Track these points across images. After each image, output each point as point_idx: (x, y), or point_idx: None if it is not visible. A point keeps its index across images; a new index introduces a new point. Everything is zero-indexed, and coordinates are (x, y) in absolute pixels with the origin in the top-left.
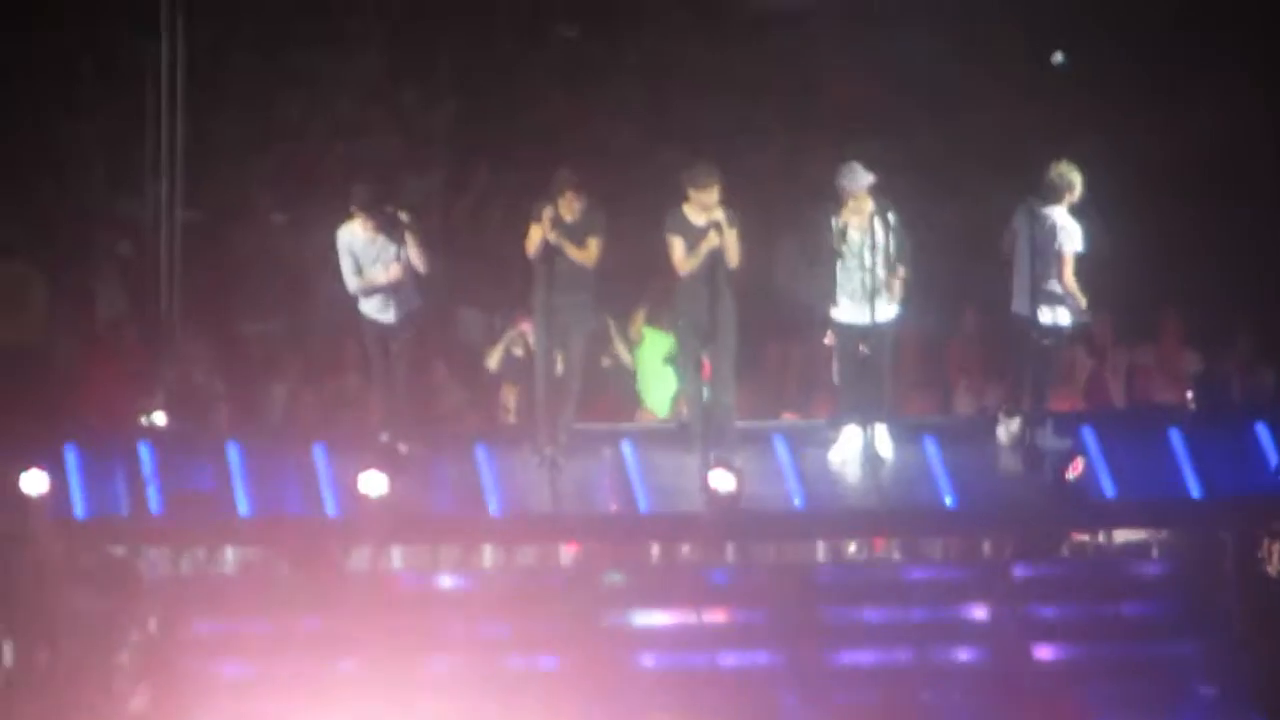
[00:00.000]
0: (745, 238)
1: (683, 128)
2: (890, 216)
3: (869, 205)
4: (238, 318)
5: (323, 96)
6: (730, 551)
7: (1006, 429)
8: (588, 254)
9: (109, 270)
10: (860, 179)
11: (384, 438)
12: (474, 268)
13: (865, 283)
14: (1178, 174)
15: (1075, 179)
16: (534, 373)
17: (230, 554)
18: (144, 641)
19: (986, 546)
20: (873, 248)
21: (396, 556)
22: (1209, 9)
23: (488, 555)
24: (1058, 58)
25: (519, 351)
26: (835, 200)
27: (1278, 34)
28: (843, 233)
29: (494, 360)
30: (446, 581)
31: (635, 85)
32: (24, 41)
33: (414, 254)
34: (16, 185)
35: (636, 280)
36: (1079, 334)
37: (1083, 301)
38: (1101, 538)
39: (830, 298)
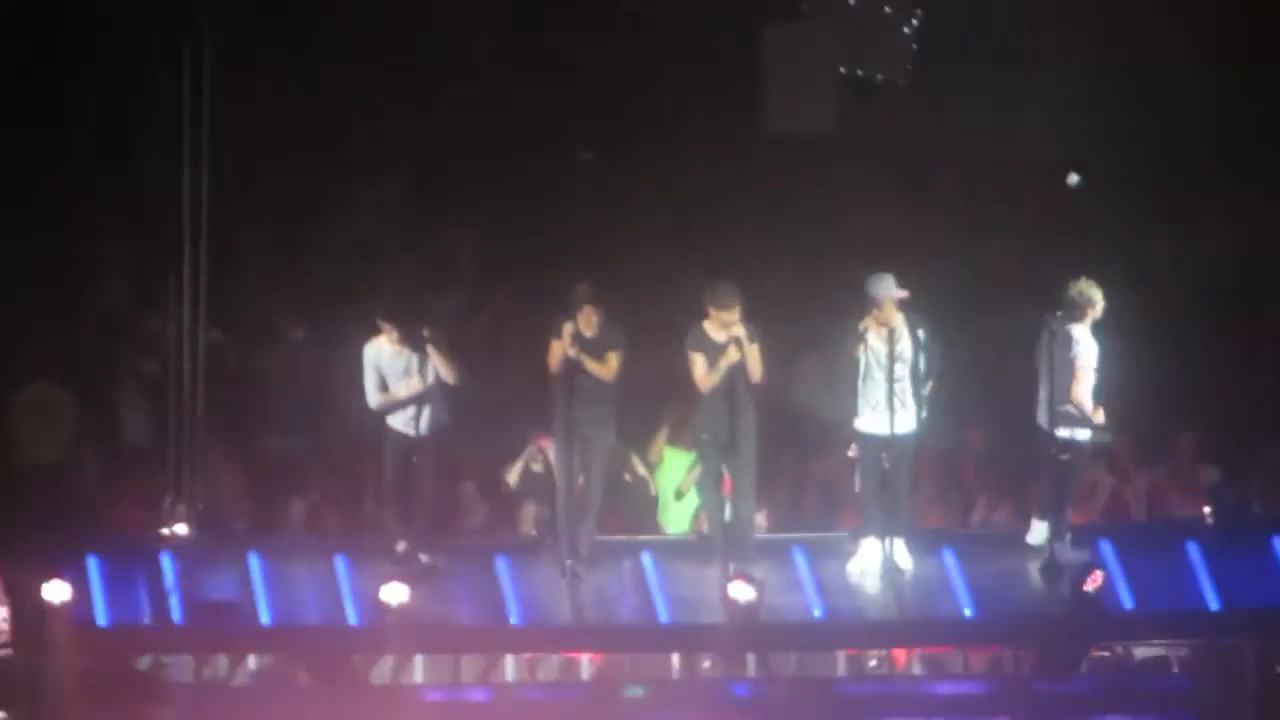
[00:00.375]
0: (765, 353)
1: (703, 248)
2: (920, 332)
3: (896, 317)
4: (260, 434)
5: (345, 219)
6: (751, 665)
7: (1037, 533)
8: (608, 369)
9: (134, 389)
10: (889, 289)
11: (401, 548)
12: (493, 387)
13: (888, 394)
14: (1195, 293)
15: (1095, 296)
16: (553, 488)
17: (252, 663)
18: None
19: (1008, 661)
20: (895, 359)
21: (418, 668)
22: (1223, 127)
23: (509, 667)
24: (1074, 179)
25: (538, 468)
26: (862, 310)
27: None
28: (866, 342)
29: (514, 476)
30: (468, 694)
31: (656, 207)
32: (53, 165)
33: (441, 367)
34: (45, 306)
35: (657, 400)
36: (1097, 451)
37: (1094, 418)
38: (1121, 651)
39: (853, 409)
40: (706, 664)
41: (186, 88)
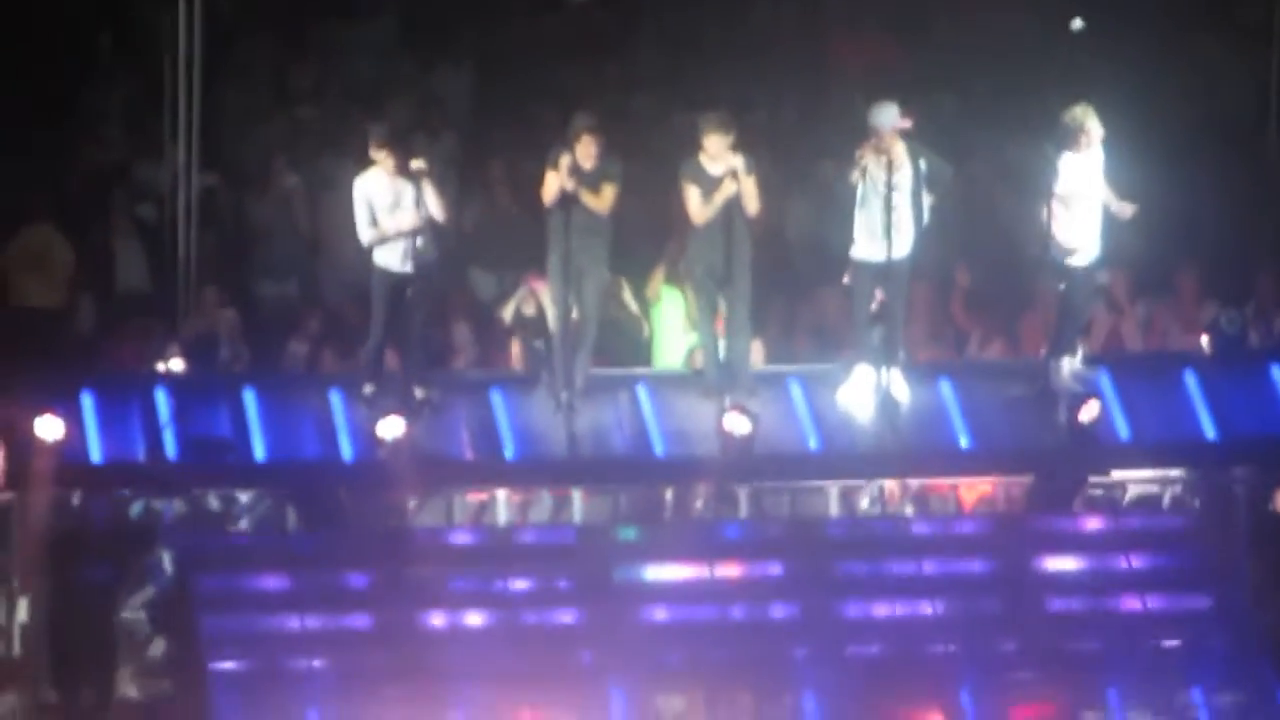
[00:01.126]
0: (761, 186)
1: (697, 92)
2: (922, 162)
3: (897, 146)
4: (255, 280)
5: (337, 64)
6: (744, 505)
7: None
8: (603, 201)
9: (129, 234)
10: (891, 117)
11: (393, 382)
12: (486, 229)
13: (884, 221)
14: (1196, 133)
15: (1088, 122)
16: (544, 329)
17: (244, 503)
18: (160, 596)
19: (1001, 500)
20: (893, 187)
21: (411, 511)
22: None
23: (502, 509)
24: (1077, 24)
25: (529, 310)
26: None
27: None
28: (865, 170)
29: (508, 313)
30: (461, 537)
31: (650, 52)
32: (44, 11)
33: (431, 201)
34: (39, 152)
35: (655, 239)
36: (1093, 281)
37: (1075, 245)
38: (1115, 491)
39: (848, 237)
40: (699, 503)
41: None
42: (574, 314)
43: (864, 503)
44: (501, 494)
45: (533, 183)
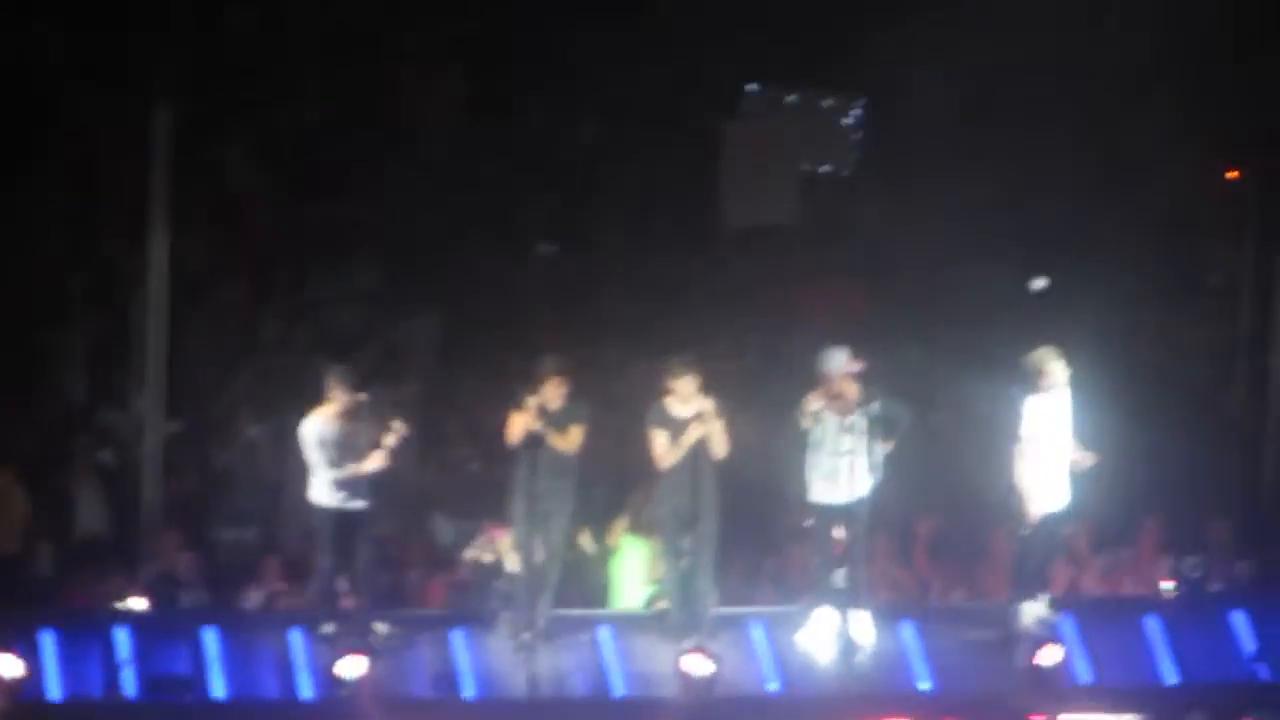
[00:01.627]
0: (730, 431)
1: (664, 339)
2: (876, 405)
3: (851, 390)
4: (216, 526)
5: (307, 314)
6: None
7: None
8: (570, 441)
9: (90, 479)
10: (838, 362)
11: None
12: (447, 478)
13: (837, 464)
14: (1160, 389)
15: (1049, 365)
16: (502, 579)
17: None
18: None
19: None
20: (846, 430)
21: None
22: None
23: None
24: (1038, 284)
25: (488, 558)
26: (812, 386)
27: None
28: (817, 415)
29: (467, 557)
30: None
31: (616, 300)
32: (15, 249)
33: (382, 446)
34: (1, 396)
35: (616, 489)
36: (1056, 530)
37: (1036, 495)
38: None
39: (805, 482)
40: None
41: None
42: (538, 555)
43: None
44: None
45: (493, 435)
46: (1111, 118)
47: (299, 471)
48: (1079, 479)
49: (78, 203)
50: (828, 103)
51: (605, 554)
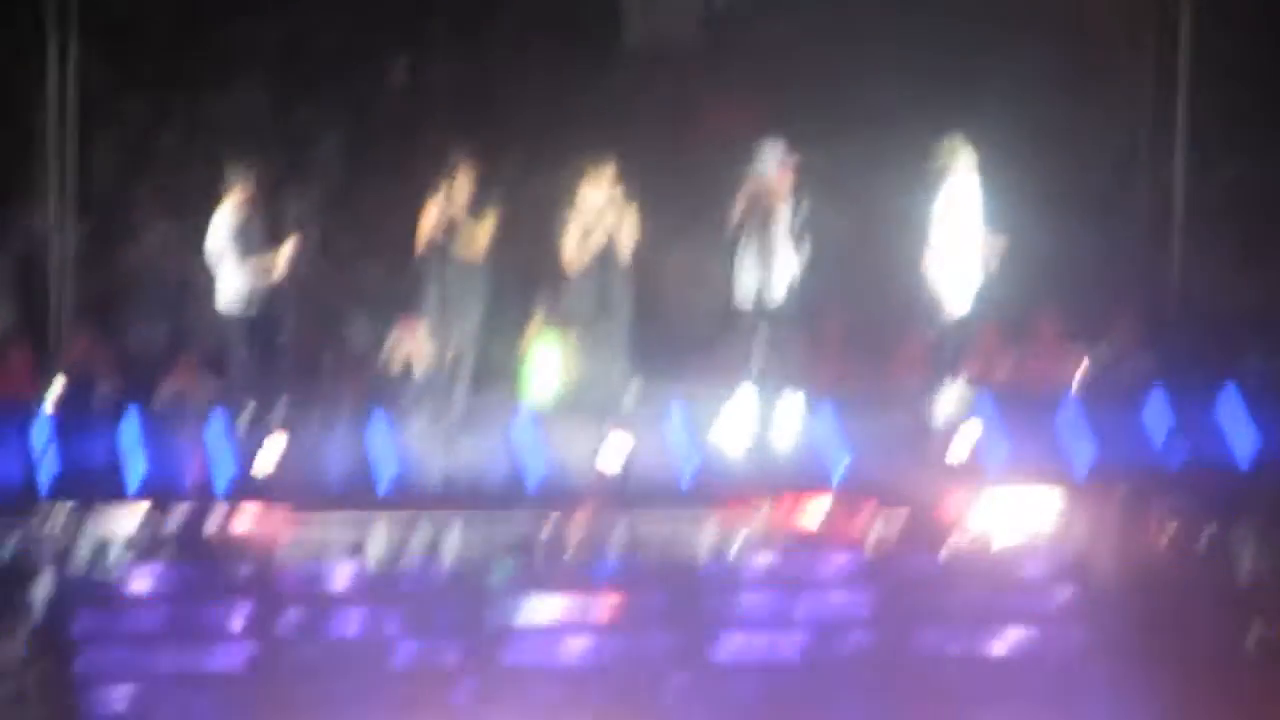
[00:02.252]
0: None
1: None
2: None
3: (784, 186)
4: (127, 325)
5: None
6: (621, 535)
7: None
8: (478, 244)
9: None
10: (774, 154)
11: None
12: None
13: (765, 259)
14: (1065, 184)
15: (956, 154)
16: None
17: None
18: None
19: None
20: (774, 227)
21: (287, 543)
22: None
23: (379, 543)
24: None
25: (405, 350)
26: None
27: None
28: (748, 212)
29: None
30: (336, 576)
31: (514, 112)
32: None
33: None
34: None
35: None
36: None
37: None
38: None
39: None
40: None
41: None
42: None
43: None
44: (380, 524)
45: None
46: None
47: (205, 272)
48: (987, 268)
49: None
50: None
51: (519, 351)
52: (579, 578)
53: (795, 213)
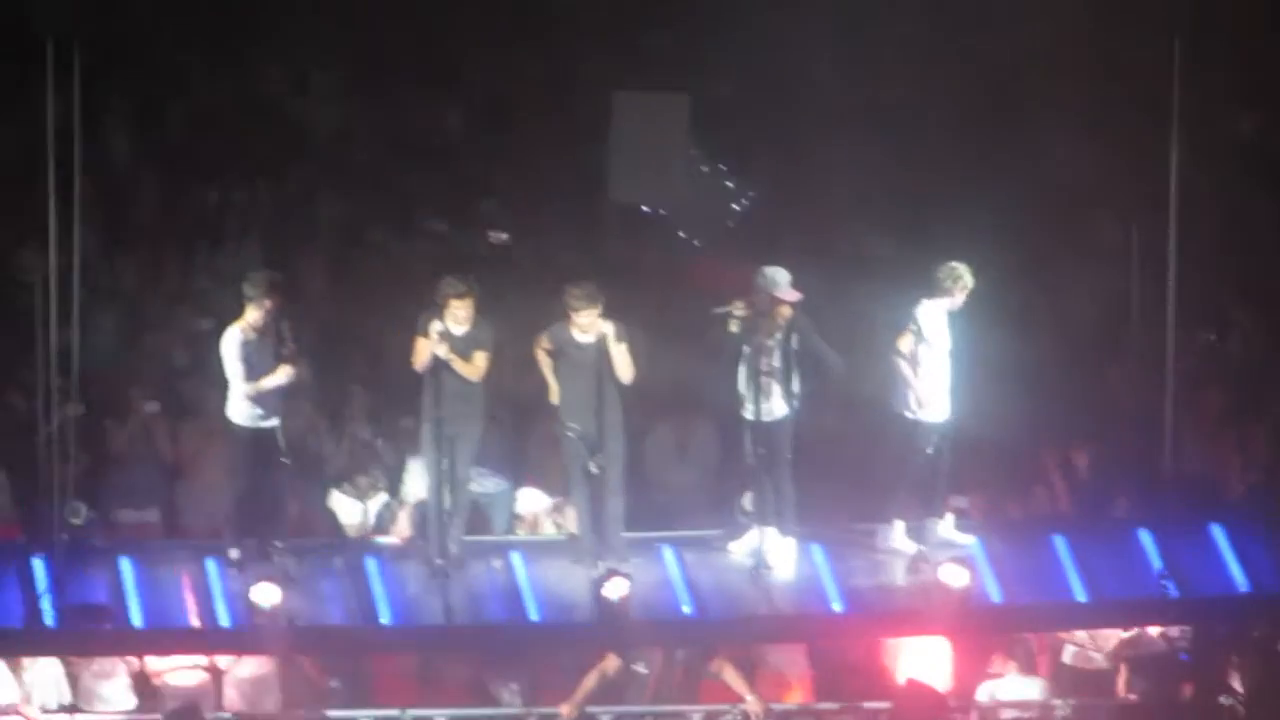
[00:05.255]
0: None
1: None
2: (797, 338)
3: (784, 313)
4: (114, 508)
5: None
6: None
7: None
8: (475, 368)
9: None
10: (782, 278)
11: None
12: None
13: (761, 384)
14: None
15: (958, 279)
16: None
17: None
18: None
19: None
20: (769, 352)
21: None
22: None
23: None
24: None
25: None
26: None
27: None
28: (744, 325)
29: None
30: None
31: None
32: None
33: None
34: None
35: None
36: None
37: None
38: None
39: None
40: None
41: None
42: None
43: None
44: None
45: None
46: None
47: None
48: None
49: None
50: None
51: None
52: None
53: (796, 346)
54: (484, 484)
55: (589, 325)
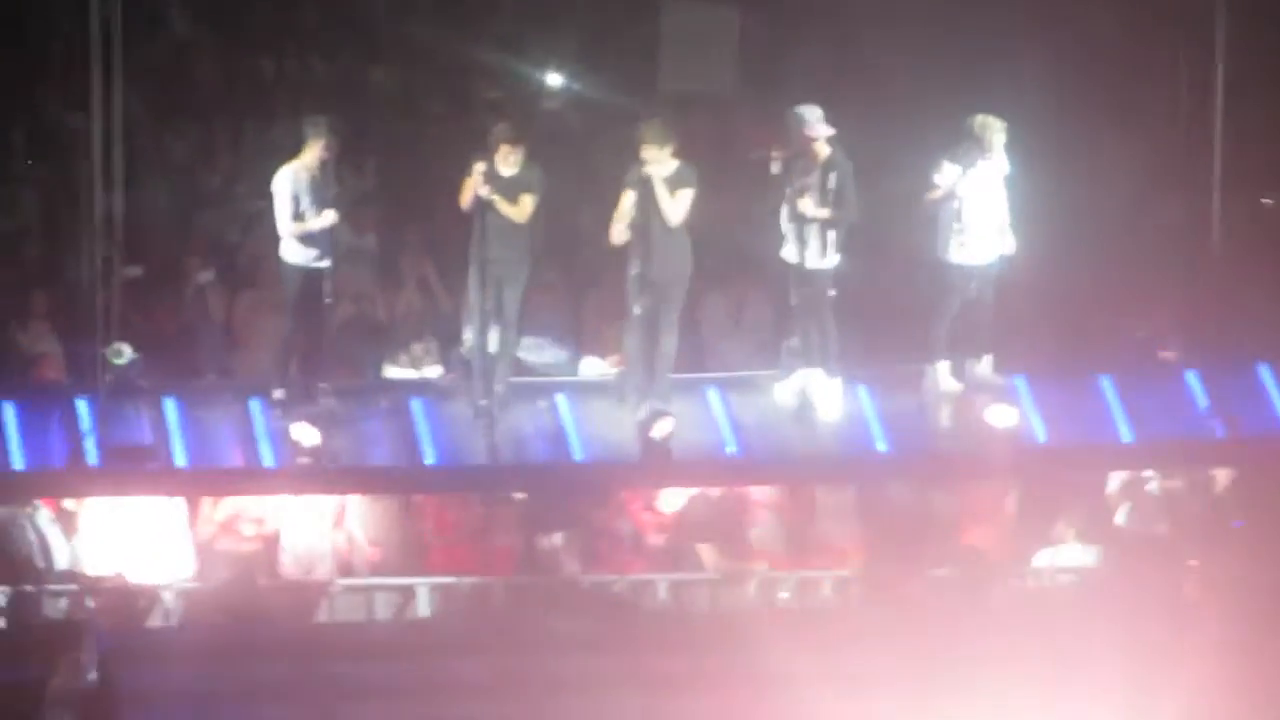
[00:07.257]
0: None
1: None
2: (834, 177)
3: (821, 152)
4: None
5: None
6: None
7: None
8: (520, 210)
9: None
10: (814, 116)
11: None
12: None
13: (802, 225)
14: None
15: (991, 133)
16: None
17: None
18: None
19: None
20: (806, 192)
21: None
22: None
23: (423, 601)
24: None
25: None
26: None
27: None
28: (783, 166)
29: None
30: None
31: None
32: None
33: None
34: None
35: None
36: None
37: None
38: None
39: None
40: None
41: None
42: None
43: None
44: (423, 588)
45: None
46: None
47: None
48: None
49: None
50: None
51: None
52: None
53: (831, 185)
54: (544, 354)
55: (658, 158)
